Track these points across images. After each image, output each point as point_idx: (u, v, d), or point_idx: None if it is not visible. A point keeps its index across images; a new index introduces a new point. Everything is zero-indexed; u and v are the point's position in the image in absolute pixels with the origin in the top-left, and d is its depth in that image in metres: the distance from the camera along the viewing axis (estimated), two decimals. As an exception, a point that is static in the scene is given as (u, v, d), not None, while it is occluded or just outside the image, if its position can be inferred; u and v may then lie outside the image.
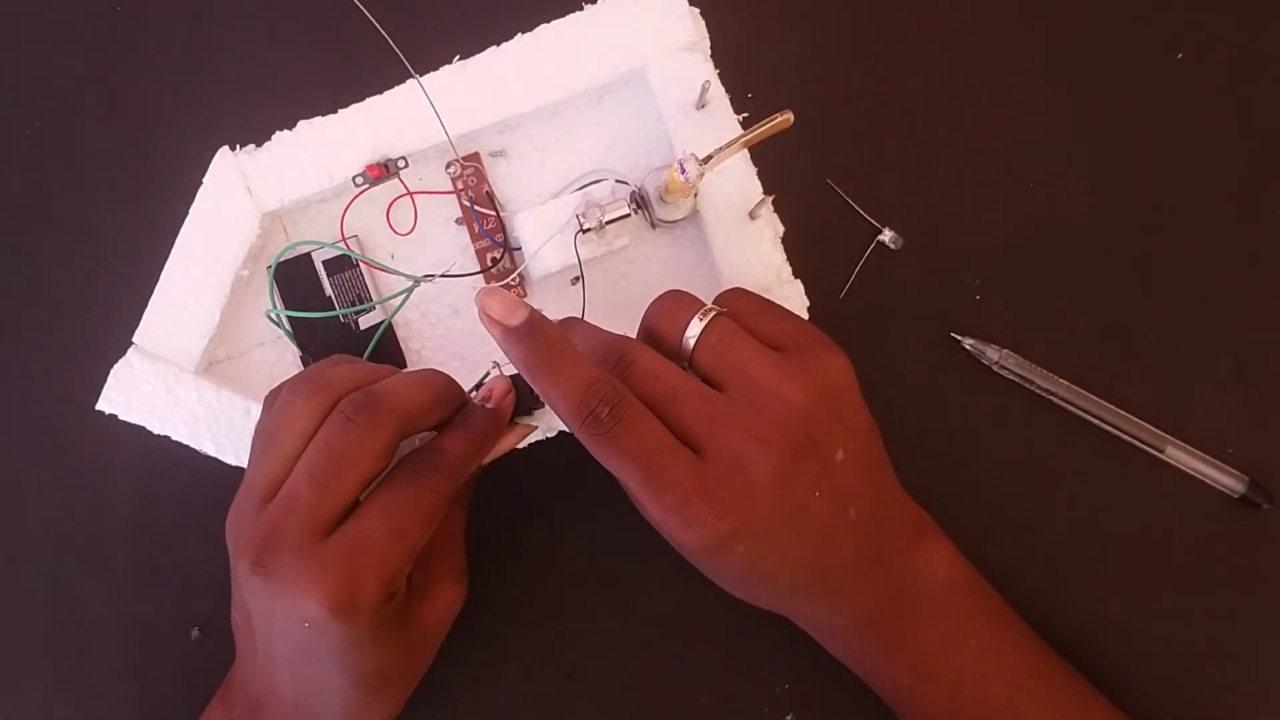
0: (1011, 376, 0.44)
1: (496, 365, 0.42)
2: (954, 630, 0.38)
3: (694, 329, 0.36)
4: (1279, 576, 0.44)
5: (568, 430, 0.43)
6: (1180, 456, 0.44)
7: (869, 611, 0.38)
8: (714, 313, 0.37)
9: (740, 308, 0.39)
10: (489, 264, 0.44)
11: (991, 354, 0.44)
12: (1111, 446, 0.44)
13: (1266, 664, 0.44)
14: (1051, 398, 0.44)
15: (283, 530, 0.34)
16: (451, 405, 0.38)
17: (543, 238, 0.41)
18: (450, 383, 0.38)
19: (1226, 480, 0.44)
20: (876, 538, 0.37)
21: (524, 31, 0.43)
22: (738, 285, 0.42)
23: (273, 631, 0.36)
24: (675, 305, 0.38)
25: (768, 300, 0.40)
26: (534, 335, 0.35)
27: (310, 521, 0.34)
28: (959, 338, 0.45)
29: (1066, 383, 0.44)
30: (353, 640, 0.35)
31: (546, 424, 0.43)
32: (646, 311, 0.38)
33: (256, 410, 0.40)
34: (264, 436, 0.36)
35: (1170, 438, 0.44)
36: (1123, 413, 0.44)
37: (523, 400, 0.42)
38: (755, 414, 0.35)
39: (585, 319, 0.40)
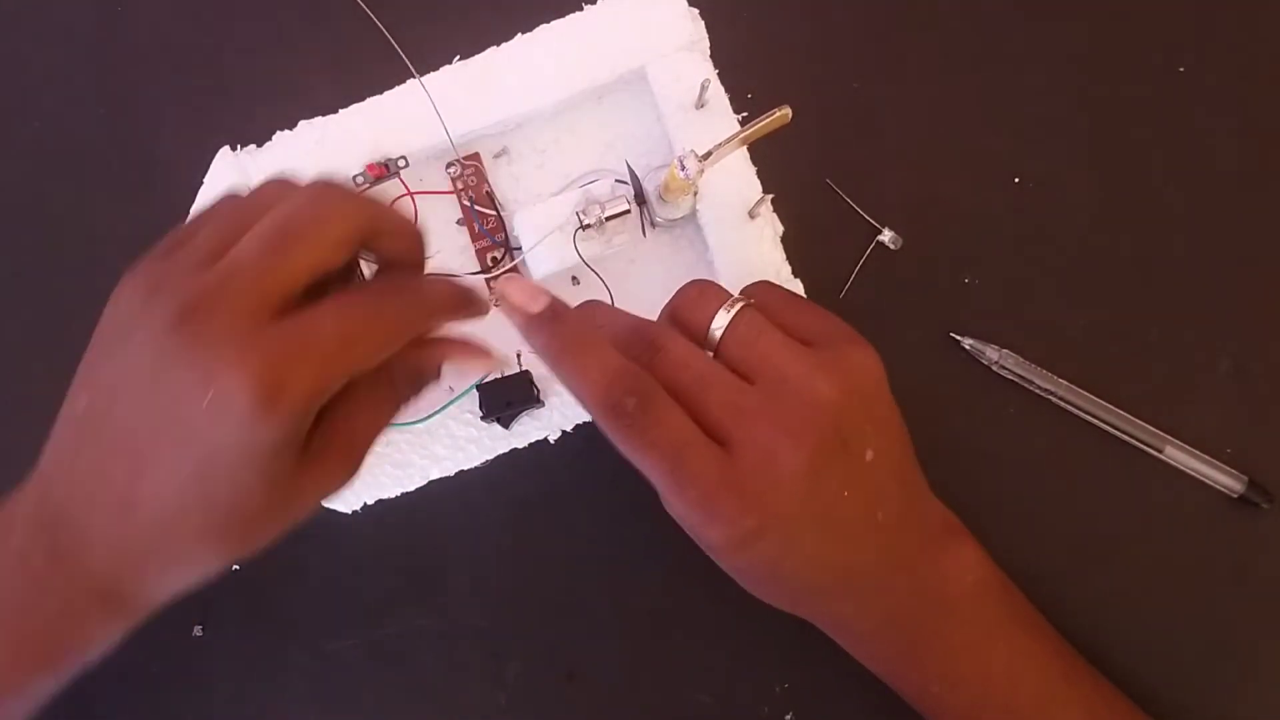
0: (1011, 376, 0.44)
1: (518, 354, 0.42)
2: (983, 636, 0.38)
3: (721, 320, 0.35)
4: (1278, 576, 0.44)
5: (569, 431, 0.44)
6: (1179, 456, 0.44)
7: (894, 616, 0.37)
8: (742, 304, 0.36)
9: (768, 300, 0.37)
10: (489, 264, 0.44)
11: (991, 354, 0.44)
12: (1110, 446, 0.44)
13: (1266, 664, 0.44)
14: (1050, 397, 0.44)
15: (224, 291, 0.30)
16: (413, 245, 0.35)
17: (542, 235, 0.41)
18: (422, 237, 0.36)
19: (1225, 480, 0.44)
20: (904, 541, 0.36)
21: (524, 32, 0.43)
22: (762, 280, 0.40)
23: (153, 403, 0.30)
24: (701, 295, 0.36)
25: (796, 294, 0.39)
26: (556, 322, 0.34)
27: (255, 289, 0.30)
28: (958, 338, 0.45)
29: (1065, 382, 0.44)
30: (245, 438, 0.30)
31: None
32: (671, 300, 0.37)
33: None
34: (223, 206, 0.34)
35: (1169, 437, 0.44)
36: (1121, 412, 0.44)
37: (520, 394, 0.42)
38: (785, 408, 0.33)
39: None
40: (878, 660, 0.39)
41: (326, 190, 0.33)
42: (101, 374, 0.33)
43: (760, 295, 0.38)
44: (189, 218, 0.42)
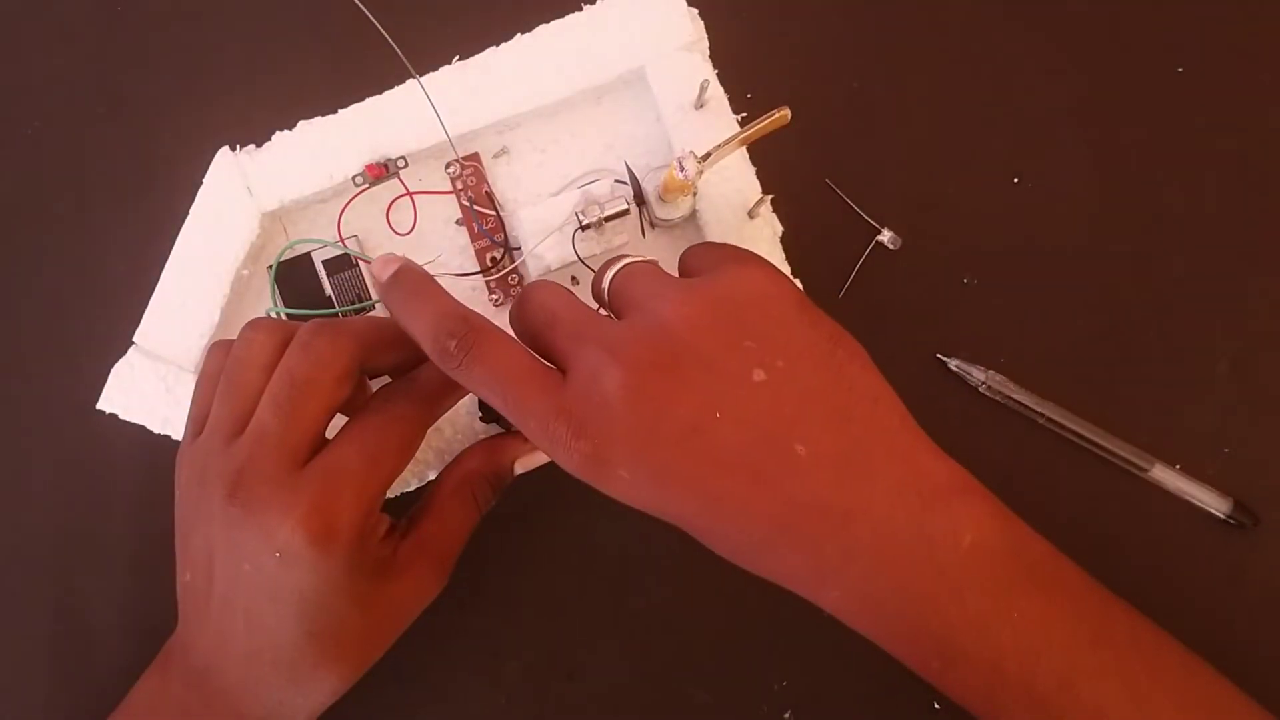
0: (997, 398, 0.44)
1: None
2: (988, 606, 0.32)
3: (607, 277, 0.36)
4: (1263, 596, 0.44)
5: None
6: (1165, 478, 0.44)
7: (865, 583, 0.32)
8: (628, 260, 0.36)
9: (689, 253, 0.38)
10: (489, 264, 0.44)
11: (977, 375, 0.44)
12: (1097, 465, 0.44)
13: (1253, 683, 0.43)
14: (1037, 419, 0.44)
15: (256, 461, 0.34)
16: (412, 349, 0.37)
17: (542, 235, 0.41)
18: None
19: (1211, 500, 0.44)
20: (854, 487, 0.31)
21: (523, 31, 0.43)
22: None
23: (239, 569, 0.35)
24: (604, 265, 0.37)
25: (719, 242, 0.38)
26: (396, 283, 0.35)
27: (282, 451, 0.34)
28: (944, 358, 0.45)
29: (1052, 404, 0.44)
30: (321, 575, 0.34)
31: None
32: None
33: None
34: (226, 376, 0.37)
35: (1155, 460, 0.44)
36: (1108, 434, 0.44)
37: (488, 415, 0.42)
38: (623, 330, 0.32)
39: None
40: (874, 635, 0.34)
41: (315, 337, 0.36)
42: (192, 552, 0.37)
43: (688, 249, 0.38)
44: (189, 219, 0.42)
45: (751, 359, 0.32)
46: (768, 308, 0.33)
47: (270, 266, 0.44)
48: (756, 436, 0.31)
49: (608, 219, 0.41)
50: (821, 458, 0.31)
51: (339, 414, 0.37)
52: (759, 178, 0.43)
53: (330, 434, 0.37)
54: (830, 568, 0.32)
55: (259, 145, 0.43)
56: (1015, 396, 0.44)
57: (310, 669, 0.36)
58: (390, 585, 0.37)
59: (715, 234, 0.43)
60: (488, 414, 0.42)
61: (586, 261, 0.42)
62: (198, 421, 0.37)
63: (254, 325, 0.37)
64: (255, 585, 0.35)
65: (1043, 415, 0.44)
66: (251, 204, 0.42)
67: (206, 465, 0.36)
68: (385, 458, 0.36)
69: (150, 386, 0.42)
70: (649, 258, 0.37)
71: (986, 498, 0.34)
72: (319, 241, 0.43)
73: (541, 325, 0.34)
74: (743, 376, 0.31)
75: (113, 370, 0.42)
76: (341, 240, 0.44)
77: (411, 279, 0.35)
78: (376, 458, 0.35)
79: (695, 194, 0.43)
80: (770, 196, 0.42)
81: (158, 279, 0.42)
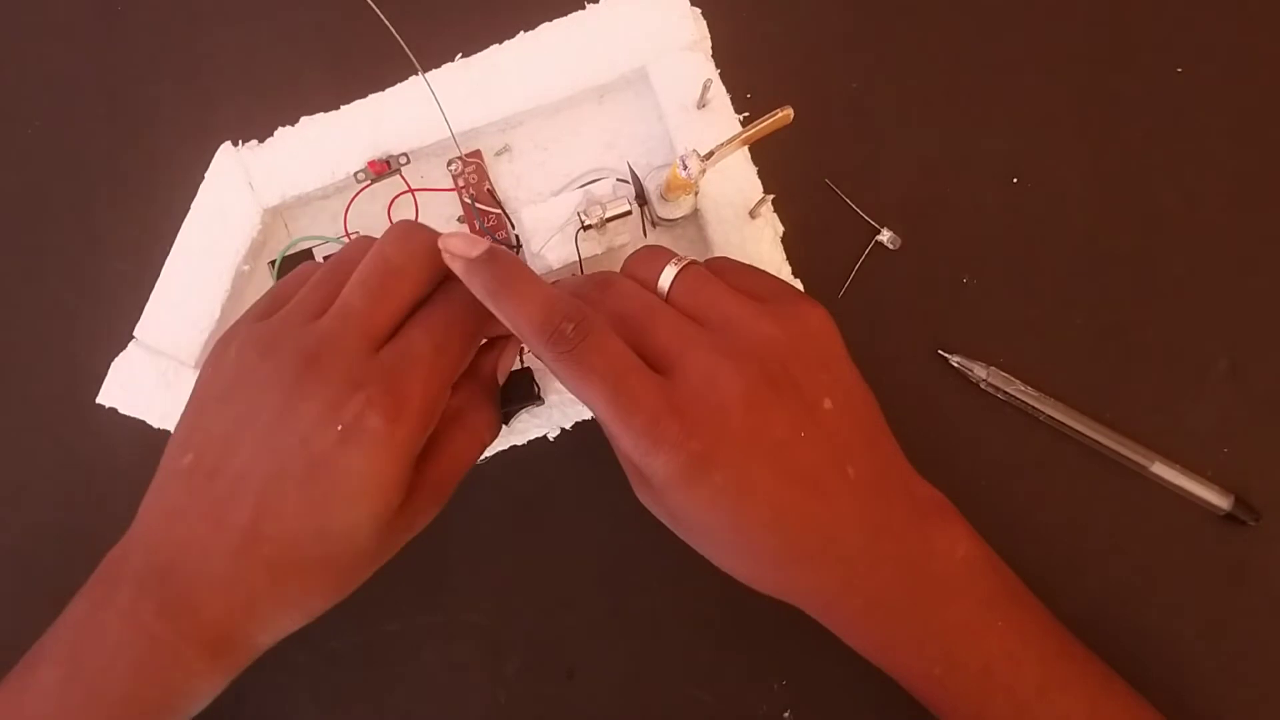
0: (999, 395, 0.44)
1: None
2: (980, 613, 0.36)
3: (669, 273, 0.36)
4: (1264, 592, 0.44)
5: (568, 429, 0.44)
6: (1166, 474, 0.44)
7: (885, 590, 0.35)
8: (689, 260, 0.37)
9: (723, 265, 0.38)
10: (490, 262, 0.44)
11: (979, 371, 0.44)
12: (1098, 461, 0.44)
13: (1253, 681, 0.43)
14: (1038, 415, 0.44)
15: (337, 338, 0.34)
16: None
17: (544, 235, 0.42)
18: None
19: (1212, 497, 0.44)
20: (884, 506, 0.35)
21: (526, 30, 0.43)
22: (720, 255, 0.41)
23: (281, 443, 0.33)
24: (651, 255, 0.37)
25: (750, 264, 0.39)
26: (493, 261, 0.34)
27: (365, 331, 0.34)
28: (946, 355, 0.45)
29: (1053, 399, 0.44)
30: (376, 458, 0.33)
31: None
32: (624, 263, 0.38)
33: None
34: (329, 265, 0.37)
35: (1157, 455, 0.44)
36: (1108, 430, 0.44)
37: (520, 391, 0.42)
38: (729, 339, 0.34)
39: None
40: (877, 646, 0.38)
41: (417, 230, 0.36)
42: (212, 429, 0.35)
43: (716, 261, 0.39)
44: (190, 214, 0.42)
45: (823, 389, 0.35)
46: (834, 347, 0.36)
47: (272, 262, 0.44)
48: (823, 457, 0.34)
49: (610, 219, 0.41)
50: (863, 480, 0.35)
51: None
52: (760, 177, 0.43)
53: None
54: (859, 577, 0.35)
55: (261, 141, 0.43)
56: (1016, 393, 0.44)
57: (303, 574, 0.34)
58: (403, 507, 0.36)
59: (717, 233, 0.43)
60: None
61: (587, 262, 0.42)
62: (265, 306, 0.37)
63: (358, 237, 0.38)
64: (289, 463, 0.33)
65: (1043, 412, 0.44)
66: (253, 200, 0.42)
67: (276, 338, 0.35)
68: (451, 347, 0.36)
69: (150, 381, 0.42)
70: (692, 257, 0.37)
71: (964, 519, 0.38)
72: (321, 238, 0.44)
73: (637, 313, 0.34)
74: (818, 403, 0.35)
75: (113, 364, 0.42)
76: (347, 236, 0.44)
77: (512, 259, 0.35)
78: (444, 345, 0.35)
79: (697, 193, 0.43)
80: (771, 196, 0.42)
81: (159, 274, 0.42)
